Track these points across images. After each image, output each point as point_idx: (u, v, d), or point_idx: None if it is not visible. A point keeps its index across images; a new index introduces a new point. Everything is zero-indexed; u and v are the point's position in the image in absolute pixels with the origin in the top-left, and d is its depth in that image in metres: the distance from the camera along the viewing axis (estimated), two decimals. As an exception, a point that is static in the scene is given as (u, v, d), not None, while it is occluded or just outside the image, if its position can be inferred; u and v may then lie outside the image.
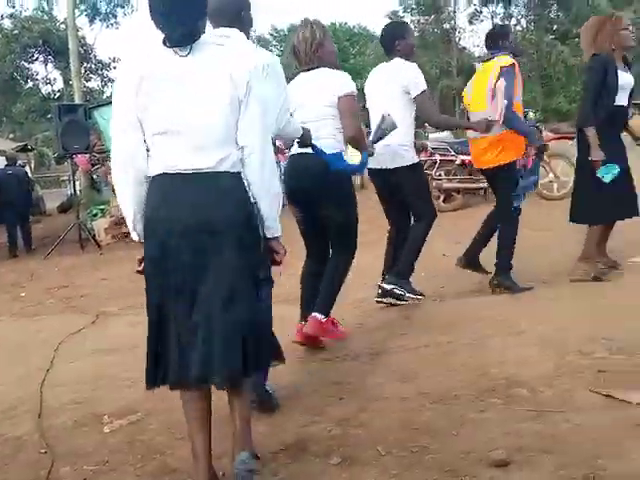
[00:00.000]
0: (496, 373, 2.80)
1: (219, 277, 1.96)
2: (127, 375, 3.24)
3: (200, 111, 1.97)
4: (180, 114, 1.97)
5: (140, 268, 2.11)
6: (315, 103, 3.19)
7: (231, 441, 2.07)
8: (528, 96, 29.12)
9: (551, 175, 8.20)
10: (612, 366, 2.71)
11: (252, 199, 2.06)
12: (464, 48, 44.21)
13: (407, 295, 3.96)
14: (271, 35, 48.00)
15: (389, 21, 42.44)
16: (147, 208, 2.04)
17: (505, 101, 3.98)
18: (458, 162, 8.53)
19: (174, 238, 1.96)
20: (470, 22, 40.90)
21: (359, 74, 27.50)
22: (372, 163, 3.72)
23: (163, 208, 1.99)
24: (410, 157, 3.92)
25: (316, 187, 3.18)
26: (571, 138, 10.37)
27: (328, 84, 3.20)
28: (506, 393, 2.59)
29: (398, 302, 3.95)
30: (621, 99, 4.07)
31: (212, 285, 1.96)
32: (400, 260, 3.97)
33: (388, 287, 3.96)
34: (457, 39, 40.08)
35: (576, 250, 4.28)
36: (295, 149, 3.24)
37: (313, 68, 3.27)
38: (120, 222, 9.22)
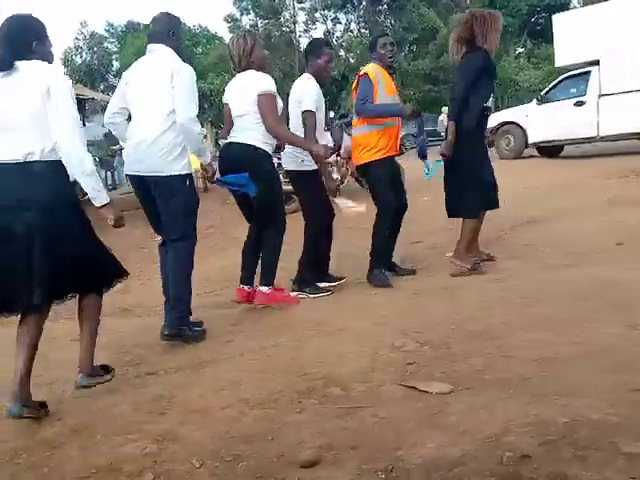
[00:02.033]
0: (315, 373, 2.89)
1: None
2: None
3: None
4: None
5: None
6: (240, 100, 3.85)
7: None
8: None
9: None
10: (419, 358, 2.90)
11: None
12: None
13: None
14: (107, 31, 45.91)
15: (227, 25, 42.14)
16: None
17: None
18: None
19: None
20: (305, 29, 42.04)
21: (201, 75, 27.12)
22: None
23: None
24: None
25: (235, 169, 3.80)
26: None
27: (251, 84, 3.78)
28: (322, 392, 2.67)
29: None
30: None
31: None
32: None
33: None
34: (297, 42, 40.86)
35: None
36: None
37: (244, 70, 3.85)
38: None
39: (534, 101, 11.82)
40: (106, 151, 13.13)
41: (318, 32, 39.47)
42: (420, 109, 4.52)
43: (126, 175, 3.72)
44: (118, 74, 58.89)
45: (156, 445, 2.38)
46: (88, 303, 2.87)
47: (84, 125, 13.69)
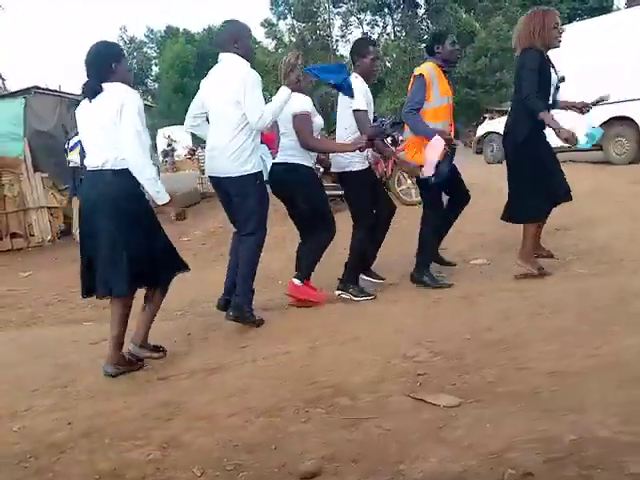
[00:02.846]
0: (324, 382, 2.86)
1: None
2: None
3: None
4: None
5: None
6: (281, 119, 4.03)
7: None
8: (403, 102, 30.36)
9: (409, 182, 8.54)
10: (431, 369, 2.85)
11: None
12: (342, 56, 45.36)
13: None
14: (146, 36, 46.80)
15: (264, 30, 42.56)
16: None
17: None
18: (322, 170, 8.66)
19: None
20: (343, 34, 42.13)
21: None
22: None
23: None
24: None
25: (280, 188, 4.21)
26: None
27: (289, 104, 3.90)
28: (330, 402, 2.64)
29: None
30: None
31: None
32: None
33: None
34: (334, 46, 40.95)
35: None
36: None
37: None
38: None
39: None
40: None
41: (354, 36, 39.55)
42: (454, 139, 4.41)
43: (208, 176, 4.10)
44: (157, 78, 60.08)
45: (160, 452, 2.39)
46: (154, 289, 3.46)
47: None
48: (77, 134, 7.37)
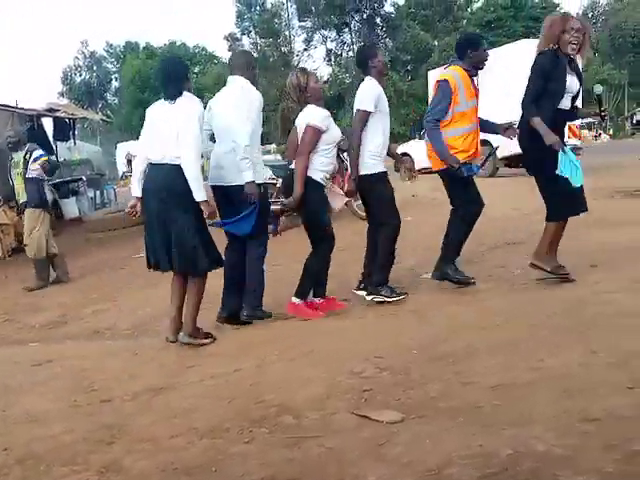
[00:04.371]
0: (271, 400, 2.83)
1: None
2: None
3: None
4: None
5: None
6: (299, 131, 4.20)
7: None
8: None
9: None
10: (376, 385, 2.84)
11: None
12: (304, 72, 45.65)
13: None
14: (106, 51, 46.38)
15: (227, 43, 42.51)
16: None
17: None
18: (279, 185, 8.65)
19: None
20: (305, 49, 42.49)
21: (199, 94, 27.31)
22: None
23: None
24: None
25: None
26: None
27: (305, 116, 4.14)
28: (275, 421, 2.61)
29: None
30: (565, 103, 4.17)
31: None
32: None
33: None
34: (295, 62, 41.21)
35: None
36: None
37: (305, 104, 4.18)
38: None
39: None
40: (95, 170, 13.15)
41: (318, 52, 40.16)
42: (459, 166, 4.33)
43: (210, 186, 4.30)
44: (117, 93, 59.48)
45: (98, 477, 2.33)
46: (191, 281, 3.90)
47: (74, 144, 13.72)
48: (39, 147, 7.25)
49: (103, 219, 10.13)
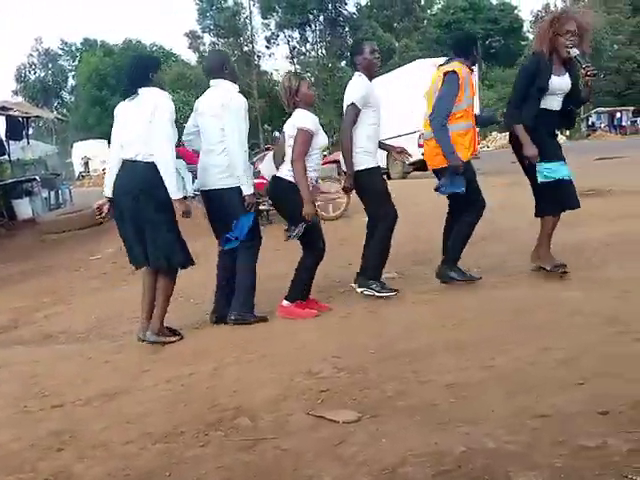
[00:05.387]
0: (226, 403, 2.80)
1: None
2: None
3: None
4: None
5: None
6: (287, 135, 4.16)
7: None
8: (325, 119, 30.79)
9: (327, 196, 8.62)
10: (334, 385, 2.84)
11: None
12: (265, 72, 45.62)
13: None
14: (61, 49, 45.41)
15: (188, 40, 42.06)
16: None
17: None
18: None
19: None
20: (267, 47, 42.34)
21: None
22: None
23: None
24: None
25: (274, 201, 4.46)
26: (333, 162, 11.22)
27: (294, 120, 4.12)
28: (230, 424, 2.59)
29: None
30: (551, 103, 4.20)
31: None
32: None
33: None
34: (256, 62, 41.05)
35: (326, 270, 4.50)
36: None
37: (294, 108, 4.16)
38: None
39: None
40: (49, 170, 12.83)
41: (281, 50, 40.18)
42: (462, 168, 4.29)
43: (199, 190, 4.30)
44: (73, 91, 58.18)
45: (47, 485, 2.26)
46: (161, 278, 3.89)
47: (28, 143, 13.37)
48: None
49: (58, 220, 9.86)
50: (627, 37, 43.48)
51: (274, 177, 4.27)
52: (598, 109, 37.64)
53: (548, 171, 4.16)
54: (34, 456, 2.50)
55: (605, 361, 2.69)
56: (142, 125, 3.71)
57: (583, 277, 4.25)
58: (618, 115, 38.22)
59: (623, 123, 38.40)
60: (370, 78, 4.37)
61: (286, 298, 4.20)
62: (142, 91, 3.78)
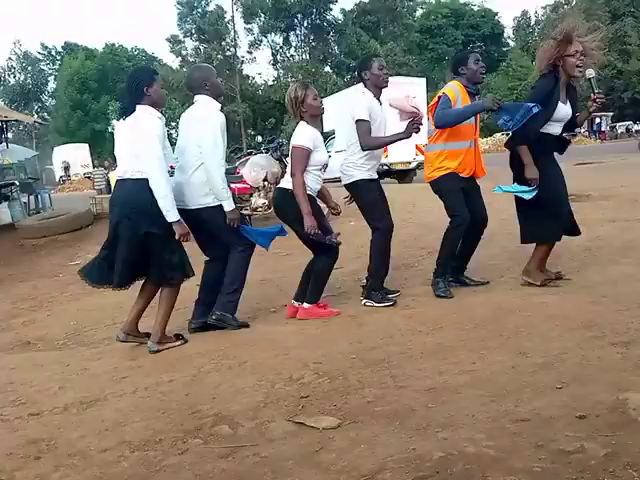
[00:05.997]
0: (206, 410, 2.78)
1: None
2: None
3: None
4: None
5: None
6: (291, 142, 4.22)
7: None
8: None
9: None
10: (314, 391, 2.84)
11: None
12: (247, 76, 45.62)
13: None
14: (40, 53, 45.06)
15: (169, 45, 41.90)
16: None
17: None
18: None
19: None
20: (249, 51, 42.34)
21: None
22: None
23: None
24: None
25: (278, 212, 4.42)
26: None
27: (295, 135, 4.18)
28: (210, 431, 2.57)
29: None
30: (554, 129, 4.19)
31: None
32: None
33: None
34: (239, 66, 41.00)
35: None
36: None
37: (300, 119, 4.19)
38: None
39: None
40: (28, 175, 12.68)
41: (264, 54, 40.27)
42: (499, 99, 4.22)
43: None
44: (54, 95, 57.66)
45: (23, 495, 2.23)
46: (164, 289, 3.86)
47: (7, 147, 13.21)
48: None
49: (37, 225, 9.74)
50: (606, 44, 44.09)
51: (278, 188, 4.35)
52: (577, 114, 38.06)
53: (507, 187, 4.26)
54: (11, 465, 2.46)
55: (583, 365, 2.73)
56: (130, 144, 3.72)
57: (562, 282, 4.31)
58: (597, 120, 38.78)
59: (603, 128, 38.99)
60: (377, 95, 4.38)
61: (306, 301, 4.24)
62: (137, 108, 3.71)
